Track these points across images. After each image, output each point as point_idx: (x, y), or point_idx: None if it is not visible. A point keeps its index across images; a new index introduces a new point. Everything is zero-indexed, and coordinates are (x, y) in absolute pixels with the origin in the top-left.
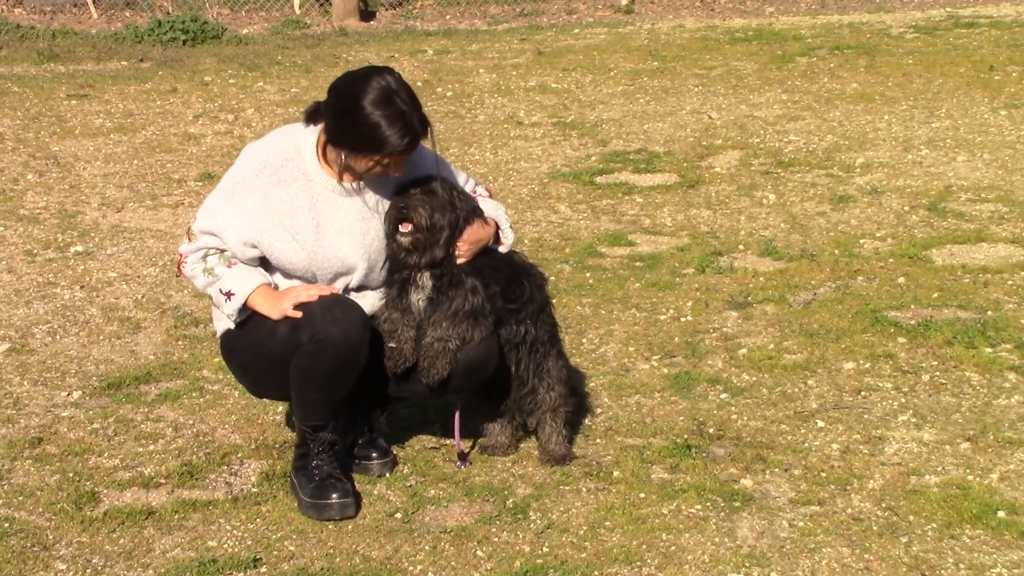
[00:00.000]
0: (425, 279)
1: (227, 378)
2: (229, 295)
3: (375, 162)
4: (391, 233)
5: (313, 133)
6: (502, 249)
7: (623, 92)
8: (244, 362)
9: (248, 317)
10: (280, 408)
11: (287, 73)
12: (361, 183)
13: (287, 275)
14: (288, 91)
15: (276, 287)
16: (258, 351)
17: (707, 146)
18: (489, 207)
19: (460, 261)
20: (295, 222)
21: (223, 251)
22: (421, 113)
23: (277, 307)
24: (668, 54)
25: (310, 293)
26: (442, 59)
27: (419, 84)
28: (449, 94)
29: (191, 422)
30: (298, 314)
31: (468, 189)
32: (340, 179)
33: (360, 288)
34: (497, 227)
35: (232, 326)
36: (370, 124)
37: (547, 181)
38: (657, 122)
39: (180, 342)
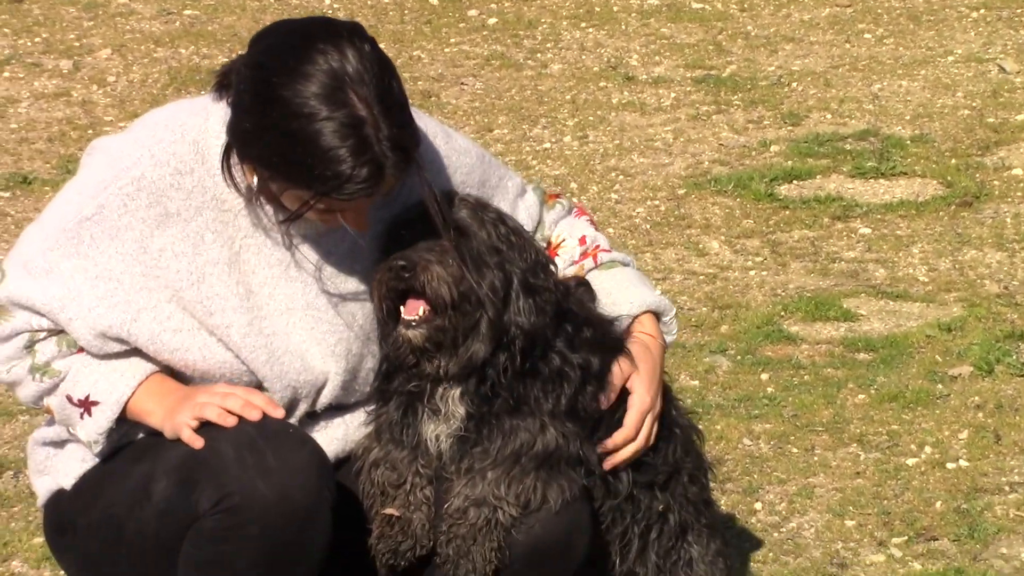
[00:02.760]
0: (453, 399)
1: None
2: (87, 404)
3: (306, 203)
4: (384, 318)
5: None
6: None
7: (831, 20)
8: (89, 550)
9: (119, 448)
10: None
11: None
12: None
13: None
14: (178, 15)
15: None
16: (115, 529)
17: (997, 126)
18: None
19: (617, 460)
20: (203, 293)
21: (61, 331)
22: (400, 123)
23: (178, 414)
24: None
25: (227, 404)
26: None
27: (433, 2)
28: (492, 21)
29: None
30: (198, 441)
31: (530, 216)
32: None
33: (330, 409)
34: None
35: (70, 480)
36: (297, 136)
37: (684, 192)
38: (899, 79)
39: None
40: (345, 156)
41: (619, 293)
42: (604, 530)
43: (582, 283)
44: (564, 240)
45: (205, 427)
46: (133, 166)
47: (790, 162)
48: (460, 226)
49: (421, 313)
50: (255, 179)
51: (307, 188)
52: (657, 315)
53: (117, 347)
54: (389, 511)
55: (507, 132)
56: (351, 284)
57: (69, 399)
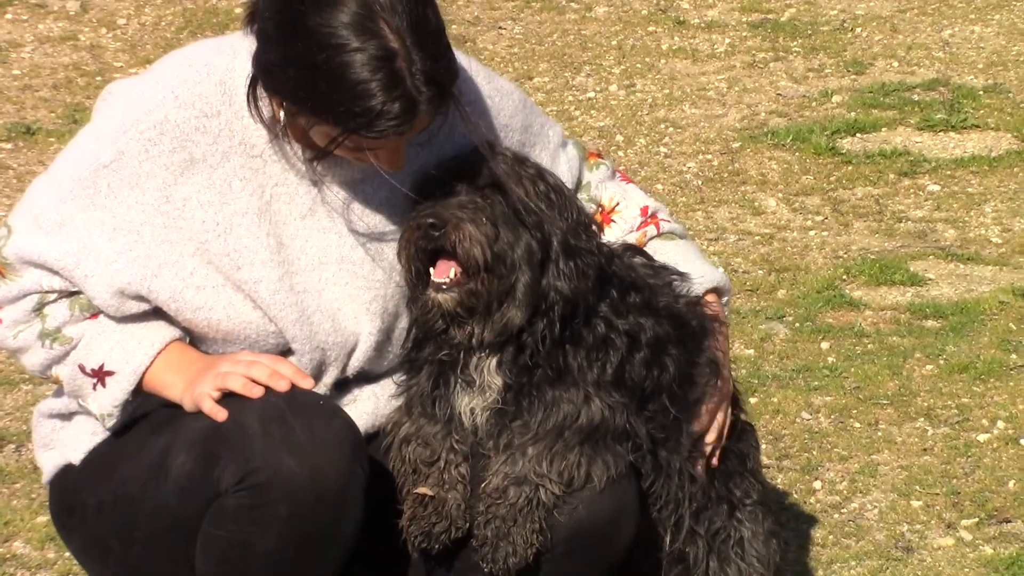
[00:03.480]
0: (489, 369)
1: (64, 562)
2: (101, 374)
3: (334, 140)
4: (413, 280)
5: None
6: (698, 279)
7: None
8: (99, 530)
9: (134, 420)
10: None
11: None
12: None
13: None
14: None
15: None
16: (128, 508)
17: None
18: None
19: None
20: (231, 245)
21: (74, 293)
22: (435, 56)
23: (199, 384)
24: None
25: (252, 373)
26: None
27: None
28: None
29: None
30: (221, 413)
31: (570, 170)
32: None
33: (359, 378)
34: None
35: (79, 455)
36: (324, 69)
37: (738, 146)
38: (971, 24)
39: None
40: (376, 91)
41: (684, 267)
42: (656, 509)
43: (632, 248)
44: (619, 205)
45: (228, 398)
46: (155, 109)
47: (853, 114)
48: (496, 182)
49: (452, 276)
50: (282, 113)
51: (335, 124)
52: (719, 293)
53: (136, 306)
54: (422, 490)
55: (548, 80)
56: (388, 237)
57: (81, 369)
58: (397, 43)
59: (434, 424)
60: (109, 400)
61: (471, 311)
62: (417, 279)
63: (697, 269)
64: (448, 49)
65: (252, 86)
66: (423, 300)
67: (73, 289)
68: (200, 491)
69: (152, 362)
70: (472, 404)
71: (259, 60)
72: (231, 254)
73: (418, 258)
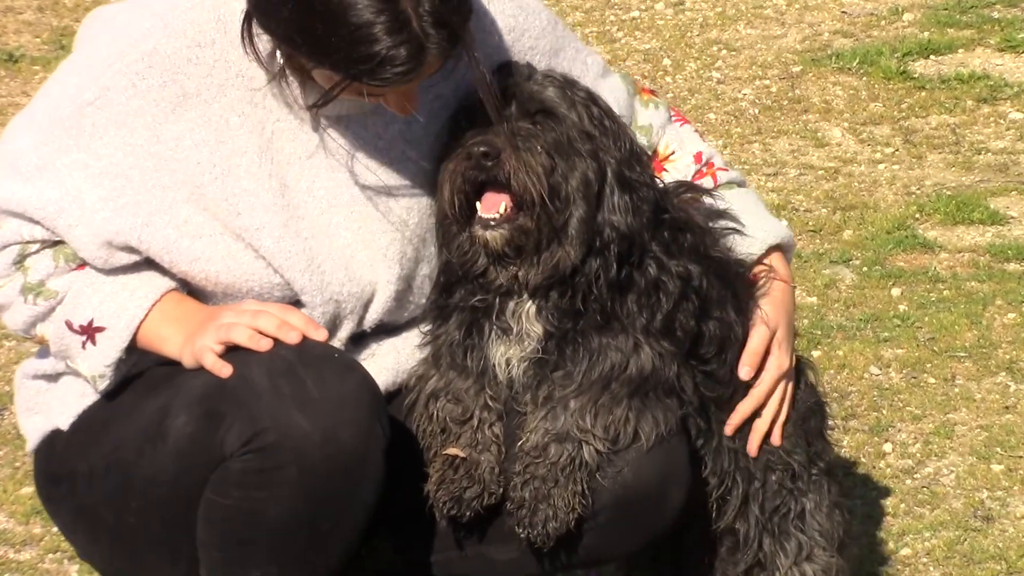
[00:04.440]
0: (528, 315)
1: (52, 538)
2: (91, 331)
3: (337, 85)
4: (454, 215)
5: None
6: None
7: None
8: (89, 501)
9: (127, 380)
10: None
11: None
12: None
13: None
14: None
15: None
16: (122, 475)
17: None
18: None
19: (756, 437)
20: (229, 189)
21: (58, 243)
22: None
23: (200, 337)
24: None
25: (259, 324)
26: None
27: None
28: None
29: None
30: (225, 368)
31: (616, 103)
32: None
33: (377, 331)
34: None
35: (67, 419)
36: (322, 8)
37: (799, 70)
38: None
39: None
40: (379, 35)
41: (744, 219)
42: (706, 474)
43: (686, 185)
44: (674, 153)
45: (233, 352)
46: (143, 39)
47: (926, 34)
48: (547, 107)
49: (502, 211)
50: (279, 53)
51: (334, 71)
52: (783, 250)
53: (126, 258)
54: (452, 451)
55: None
56: (404, 175)
57: (69, 326)
58: None
59: (465, 378)
60: (101, 359)
61: (519, 250)
62: (460, 215)
63: (758, 223)
64: None
65: (247, 21)
66: (463, 239)
67: (57, 238)
68: (202, 455)
69: (147, 315)
70: (508, 354)
71: None
72: (229, 199)
73: (463, 190)
